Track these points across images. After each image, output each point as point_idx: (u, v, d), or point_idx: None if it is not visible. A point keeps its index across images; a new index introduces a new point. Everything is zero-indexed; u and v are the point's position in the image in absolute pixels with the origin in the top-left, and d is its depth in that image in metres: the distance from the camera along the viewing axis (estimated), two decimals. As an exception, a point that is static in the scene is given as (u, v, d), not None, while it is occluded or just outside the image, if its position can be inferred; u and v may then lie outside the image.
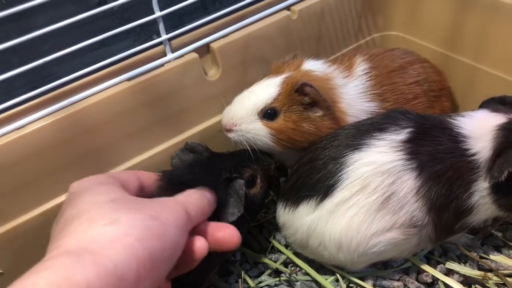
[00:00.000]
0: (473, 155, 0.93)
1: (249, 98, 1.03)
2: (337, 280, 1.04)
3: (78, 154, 1.00)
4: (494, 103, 1.03)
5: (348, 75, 1.11)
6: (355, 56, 1.17)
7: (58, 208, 0.98)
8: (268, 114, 1.02)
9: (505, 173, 0.89)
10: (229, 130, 1.03)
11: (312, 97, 1.01)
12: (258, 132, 1.02)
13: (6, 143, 0.92)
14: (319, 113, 1.03)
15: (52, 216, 0.98)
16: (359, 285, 1.03)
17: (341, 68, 1.12)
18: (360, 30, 1.38)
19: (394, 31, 1.41)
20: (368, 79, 1.12)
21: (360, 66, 1.14)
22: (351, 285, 1.04)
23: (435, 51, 1.30)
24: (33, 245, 0.98)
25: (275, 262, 1.10)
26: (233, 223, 0.89)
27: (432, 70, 1.21)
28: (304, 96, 1.01)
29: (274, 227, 1.14)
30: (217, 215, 0.90)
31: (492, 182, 0.92)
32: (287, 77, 1.04)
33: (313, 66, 1.09)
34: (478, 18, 1.18)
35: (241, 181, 0.92)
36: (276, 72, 1.08)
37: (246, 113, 1.02)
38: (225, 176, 0.92)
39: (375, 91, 1.11)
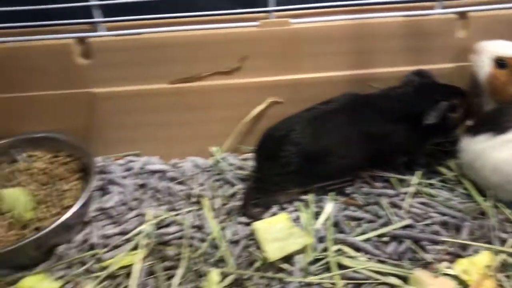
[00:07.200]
0: None
1: (505, 45, 1.20)
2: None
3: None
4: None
5: None
6: None
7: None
8: (498, 63, 1.19)
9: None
10: (475, 52, 1.23)
11: None
12: (483, 66, 1.21)
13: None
14: None
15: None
16: None
17: None
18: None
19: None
20: None
21: None
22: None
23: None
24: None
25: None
26: (427, 128, 1.15)
27: None
28: None
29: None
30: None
31: None
32: None
33: None
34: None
35: (445, 103, 1.17)
36: None
37: (492, 51, 1.20)
38: (437, 98, 1.18)
39: None
